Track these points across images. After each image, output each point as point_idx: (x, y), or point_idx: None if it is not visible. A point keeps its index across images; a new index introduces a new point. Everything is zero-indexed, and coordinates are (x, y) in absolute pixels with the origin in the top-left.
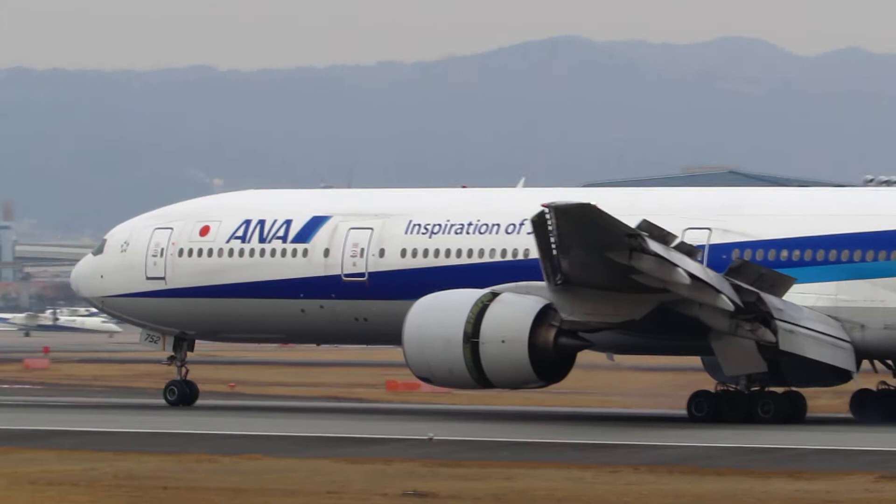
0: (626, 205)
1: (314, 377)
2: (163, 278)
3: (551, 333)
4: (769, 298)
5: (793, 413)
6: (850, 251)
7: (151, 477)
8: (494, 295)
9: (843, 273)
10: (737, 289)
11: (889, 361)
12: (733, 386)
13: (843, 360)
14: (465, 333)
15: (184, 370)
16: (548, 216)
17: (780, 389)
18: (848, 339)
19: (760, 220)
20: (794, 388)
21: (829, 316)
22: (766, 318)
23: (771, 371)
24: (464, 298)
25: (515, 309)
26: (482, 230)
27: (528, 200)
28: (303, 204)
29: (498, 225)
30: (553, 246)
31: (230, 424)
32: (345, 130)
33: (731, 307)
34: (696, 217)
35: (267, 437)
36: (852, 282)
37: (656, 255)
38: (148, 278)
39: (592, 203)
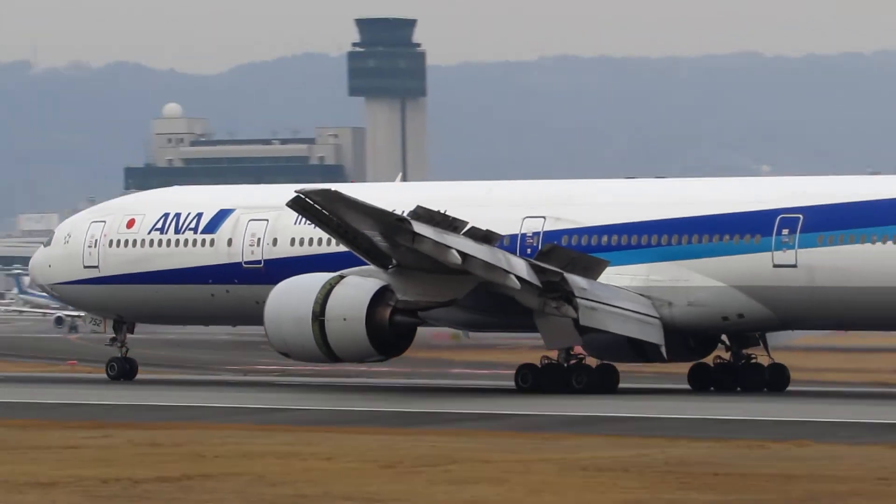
0: (481, 195)
1: (865, 363)
2: (96, 267)
3: (387, 312)
4: (573, 279)
5: (606, 383)
6: (658, 236)
7: (702, 463)
8: (342, 277)
9: (653, 256)
10: (541, 270)
11: (724, 338)
12: (556, 359)
13: (650, 334)
14: (314, 312)
15: (124, 349)
16: (311, 202)
17: (594, 363)
18: (657, 316)
19: (588, 209)
20: (606, 362)
21: (640, 294)
22: (569, 297)
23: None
24: (314, 281)
25: (356, 290)
26: None
27: (402, 193)
28: (213, 198)
29: None
30: (324, 229)
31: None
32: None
33: (517, 285)
34: (534, 206)
35: (816, 423)
36: (661, 263)
37: (427, 237)
38: (85, 267)
39: (333, 189)
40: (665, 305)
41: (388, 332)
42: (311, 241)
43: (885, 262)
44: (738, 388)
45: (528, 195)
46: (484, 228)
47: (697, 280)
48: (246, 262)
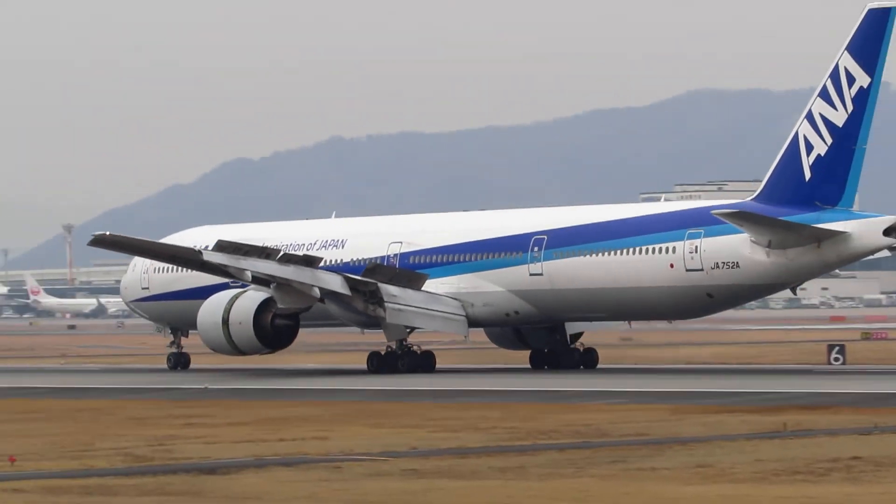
0: (381, 230)
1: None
2: (147, 288)
3: (269, 317)
4: (385, 288)
5: (424, 364)
6: (467, 254)
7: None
8: (244, 292)
9: (462, 269)
10: (356, 283)
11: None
12: (392, 347)
13: (454, 328)
14: (223, 318)
15: (180, 347)
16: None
17: (417, 349)
18: (463, 314)
19: (431, 237)
20: (425, 349)
21: (452, 298)
22: (380, 302)
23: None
24: (226, 295)
25: (248, 301)
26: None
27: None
28: (220, 235)
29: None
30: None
31: None
32: None
33: (317, 295)
34: (397, 236)
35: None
36: (467, 275)
37: (221, 264)
38: (142, 288)
39: (105, 234)
40: (469, 306)
41: (271, 331)
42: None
43: (596, 270)
44: (561, 367)
45: (395, 227)
46: (301, 254)
47: (488, 287)
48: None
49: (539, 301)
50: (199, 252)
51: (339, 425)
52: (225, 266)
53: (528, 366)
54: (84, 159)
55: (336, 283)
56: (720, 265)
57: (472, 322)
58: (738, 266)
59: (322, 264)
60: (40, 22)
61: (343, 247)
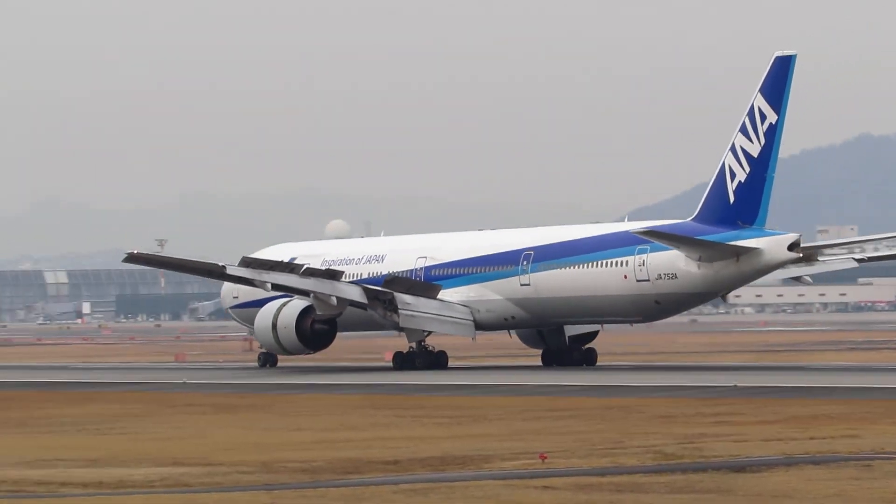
0: (413, 247)
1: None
2: (237, 297)
3: (309, 322)
4: (400, 297)
5: (437, 363)
6: (476, 268)
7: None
8: (290, 301)
9: (470, 280)
10: (374, 293)
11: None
12: (413, 348)
13: (462, 331)
14: (273, 323)
15: (263, 347)
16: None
17: (434, 349)
18: (471, 319)
19: (448, 252)
20: (440, 350)
21: (463, 305)
22: (395, 309)
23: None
24: (276, 304)
25: (292, 309)
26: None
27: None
28: (289, 252)
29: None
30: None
31: None
32: None
33: (334, 303)
34: (424, 251)
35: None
36: (474, 285)
37: (241, 277)
38: (233, 297)
39: (146, 252)
40: (476, 312)
41: (310, 334)
42: None
43: (576, 280)
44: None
45: (423, 243)
46: (325, 268)
47: (490, 295)
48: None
49: (528, 307)
50: (223, 266)
51: (869, 423)
52: (248, 279)
53: (533, 364)
54: None
55: (355, 293)
56: (662, 276)
57: (479, 326)
58: (676, 277)
59: (365, 276)
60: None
61: (383, 261)
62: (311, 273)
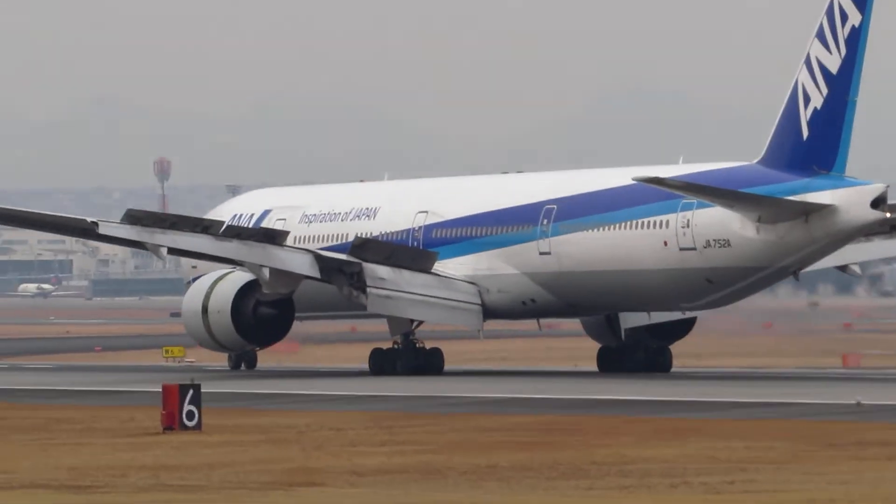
0: (412, 196)
1: None
2: (196, 267)
3: (251, 304)
4: (371, 269)
5: (427, 365)
6: (485, 228)
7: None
8: (230, 273)
9: (478, 246)
10: (336, 262)
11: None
12: (398, 343)
13: (463, 319)
14: (203, 306)
15: None
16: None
17: (429, 346)
18: (477, 302)
19: (452, 205)
20: (433, 347)
21: (468, 282)
22: (364, 287)
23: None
24: (210, 278)
25: (230, 284)
26: None
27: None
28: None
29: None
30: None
31: None
32: None
33: (265, 277)
34: (426, 203)
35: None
36: (483, 254)
37: (120, 237)
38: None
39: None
40: (486, 292)
41: (253, 322)
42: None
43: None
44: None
45: (426, 192)
46: (261, 228)
47: (504, 268)
48: None
49: (551, 285)
50: (94, 223)
51: None
52: (135, 241)
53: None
54: None
55: (302, 263)
56: (712, 243)
57: (489, 312)
58: (729, 244)
59: (353, 236)
60: None
61: (375, 216)
62: (237, 234)
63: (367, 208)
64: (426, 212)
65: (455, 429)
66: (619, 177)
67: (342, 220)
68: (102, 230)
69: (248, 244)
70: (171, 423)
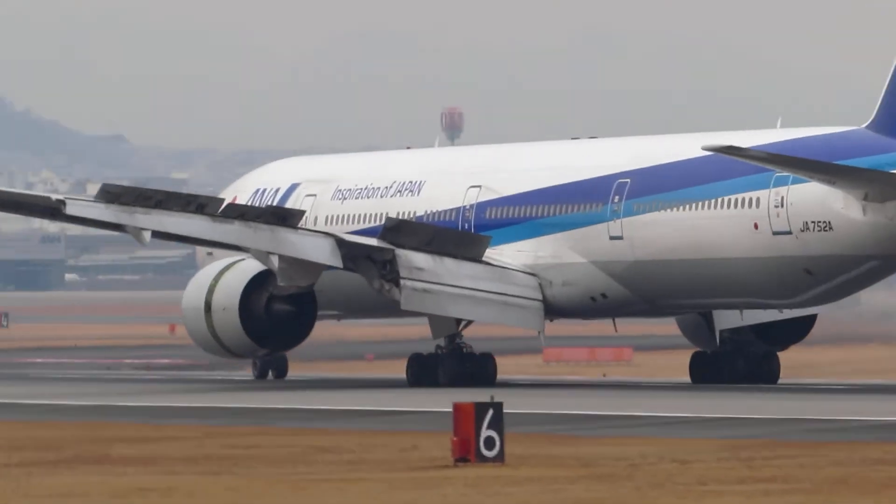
0: (463, 167)
1: None
2: (211, 254)
3: (263, 299)
4: (407, 257)
5: (476, 374)
6: (547, 207)
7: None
8: (237, 262)
9: (538, 229)
10: (364, 248)
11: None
12: (441, 347)
13: (522, 318)
14: (206, 303)
15: None
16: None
17: (477, 352)
18: (538, 297)
19: (511, 178)
20: (485, 352)
21: (527, 273)
22: (397, 278)
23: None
24: (213, 268)
25: (238, 275)
26: None
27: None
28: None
29: None
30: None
31: None
32: None
33: (275, 266)
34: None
35: None
36: (545, 238)
37: (92, 218)
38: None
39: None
40: (548, 285)
41: (266, 321)
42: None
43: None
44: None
45: (480, 161)
46: (269, 206)
47: (569, 256)
48: None
49: (625, 277)
50: (60, 201)
51: None
52: (110, 223)
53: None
54: None
55: (319, 250)
56: (810, 226)
57: (552, 309)
58: (830, 227)
59: (394, 216)
60: None
61: (419, 192)
62: (240, 213)
63: (412, 182)
64: (479, 186)
65: (836, 461)
66: (723, 141)
67: (381, 197)
68: (70, 210)
69: (253, 226)
70: (466, 452)
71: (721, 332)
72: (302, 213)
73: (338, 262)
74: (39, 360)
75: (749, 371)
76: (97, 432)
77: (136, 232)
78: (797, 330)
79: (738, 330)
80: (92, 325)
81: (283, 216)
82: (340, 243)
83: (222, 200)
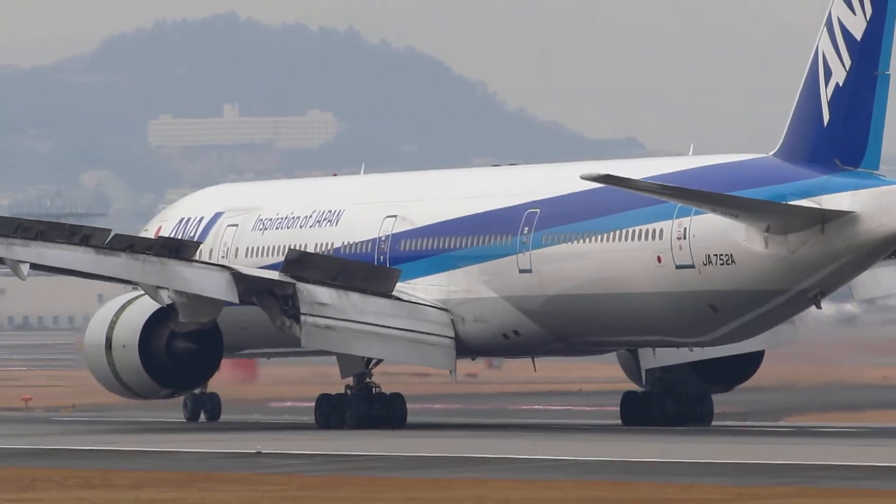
0: (381, 195)
1: None
2: None
3: (164, 336)
4: (309, 292)
5: (385, 416)
6: (458, 238)
7: None
8: (140, 296)
9: (449, 262)
10: (263, 283)
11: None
12: (350, 387)
13: (432, 357)
14: (107, 339)
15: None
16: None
17: (387, 392)
18: (449, 334)
19: (424, 208)
20: (394, 392)
21: (438, 308)
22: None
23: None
24: (116, 302)
25: (139, 310)
26: None
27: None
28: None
29: None
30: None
31: None
32: None
33: (164, 302)
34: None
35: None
36: (456, 271)
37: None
38: None
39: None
40: (460, 321)
41: (166, 360)
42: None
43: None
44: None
45: (396, 189)
46: (161, 237)
47: (481, 290)
48: None
49: (535, 313)
50: None
51: None
52: None
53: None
54: None
55: (213, 284)
56: (713, 259)
57: (464, 346)
58: (733, 261)
59: (312, 248)
60: None
61: (338, 221)
62: (128, 245)
63: (331, 211)
64: (395, 216)
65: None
66: (619, 170)
67: (300, 227)
68: None
69: (142, 259)
70: None
71: (651, 370)
72: (197, 244)
73: (234, 297)
74: None
75: (679, 412)
76: None
77: (14, 265)
78: (740, 369)
79: (669, 369)
80: None
81: (175, 248)
82: (238, 277)
83: (108, 231)
